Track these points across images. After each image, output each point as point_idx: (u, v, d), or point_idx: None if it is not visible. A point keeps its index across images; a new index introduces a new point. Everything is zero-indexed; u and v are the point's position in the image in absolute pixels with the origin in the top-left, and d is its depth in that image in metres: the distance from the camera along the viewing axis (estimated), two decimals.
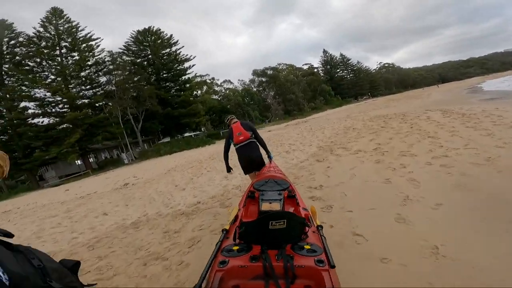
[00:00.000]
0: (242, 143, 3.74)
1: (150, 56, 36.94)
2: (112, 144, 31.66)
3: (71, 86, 28.37)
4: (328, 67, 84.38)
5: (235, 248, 1.48)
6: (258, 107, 51.03)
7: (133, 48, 37.83)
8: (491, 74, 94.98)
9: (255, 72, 59.24)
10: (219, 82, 57.47)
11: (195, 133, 52.74)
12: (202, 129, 47.85)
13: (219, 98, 51.61)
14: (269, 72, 58.70)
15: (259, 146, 3.85)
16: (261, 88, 58.49)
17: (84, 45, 29.84)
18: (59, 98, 27.53)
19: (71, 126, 26.93)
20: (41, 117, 27.62)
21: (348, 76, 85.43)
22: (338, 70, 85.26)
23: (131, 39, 37.78)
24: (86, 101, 29.21)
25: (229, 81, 57.82)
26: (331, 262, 1.28)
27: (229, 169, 4.09)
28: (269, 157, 3.93)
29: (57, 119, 26.98)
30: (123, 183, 11.44)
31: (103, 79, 30.86)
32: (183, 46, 39.63)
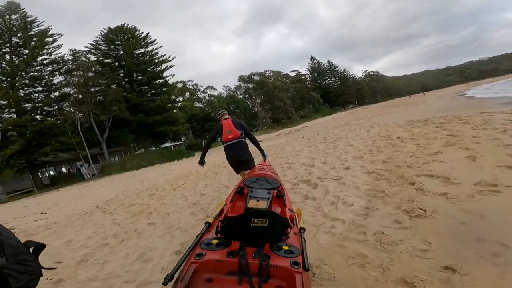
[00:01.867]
0: (230, 142, 3.56)
1: (122, 57, 31.86)
2: (73, 156, 26.07)
3: (18, 86, 22.84)
4: (316, 74, 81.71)
5: (214, 242, 1.45)
6: (245, 115, 46.63)
7: (103, 47, 32.71)
8: (471, 82, 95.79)
9: (241, 78, 55.07)
10: (202, 89, 52.97)
11: (175, 143, 47.76)
12: (182, 138, 42.86)
13: (202, 106, 46.88)
14: (256, 78, 54.70)
15: (248, 146, 3.69)
16: (247, 95, 54.29)
17: (35, 39, 24.49)
18: (4, 102, 22.05)
19: (14, 134, 21.42)
20: None
21: (336, 84, 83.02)
22: (325, 78, 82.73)
23: (100, 37, 32.71)
24: (38, 104, 23.67)
25: (212, 87, 53.36)
26: (305, 265, 1.26)
27: (202, 162, 3.85)
28: (263, 155, 3.88)
29: None
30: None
31: (59, 80, 25.46)
32: (161, 46, 34.96)
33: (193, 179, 7.83)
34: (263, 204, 1.84)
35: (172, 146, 41.56)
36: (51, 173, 29.81)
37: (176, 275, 1.19)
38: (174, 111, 31.78)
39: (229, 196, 2.34)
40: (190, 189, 6.42)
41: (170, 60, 34.24)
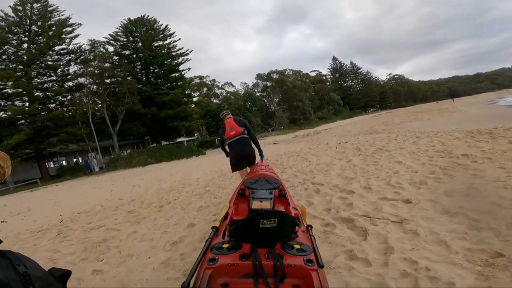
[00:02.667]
0: (233, 138, 3.68)
1: (140, 49, 30.77)
2: (80, 148, 25.24)
3: (32, 75, 22.14)
4: (337, 75, 78.49)
5: (225, 246, 1.43)
6: (261, 113, 44.80)
7: (122, 39, 31.80)
8: (504, 90, 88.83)
9: (259, 76, 53.22)
10: (220, 85, 51.59)
11: (189, 138, 46.68)
12: (196, 134, 41.67)
13: (219, 102, 45.46)
14: (275, 76, 52.65)
15: (251, 142, 3.80)
16: (265, 94, 52.38)
17: (53, 29, 23.72)
18: (20, 90, 21.40)
19: (24, 123, 20.74)
20: None
21: (358, 86, 79.41)
22: (347, 79, 79.32)
23: (120, 28, 31.80)
24: (50, 94, 22.92)
25: (231, 84, 51.84)
26: (320, 262, 1.26)
27: (228, 153, 3.96)
28: (261, 155, 3.85)
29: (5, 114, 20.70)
30: None
31: (74, 69, 24.65)
32: (179, 39, 33.57)
33: (189, 193, 6.13)
34: (266, 205, 1.83)
35: (185, 142, 40.60)
36: (63, 163, 29.37)
37: (192, 282, 1.17)
38: (189, 106, 30.38)
39: (231, 199, 2.33)
40: (180, 211, 4.72)
41: (188, 54, 32.94)
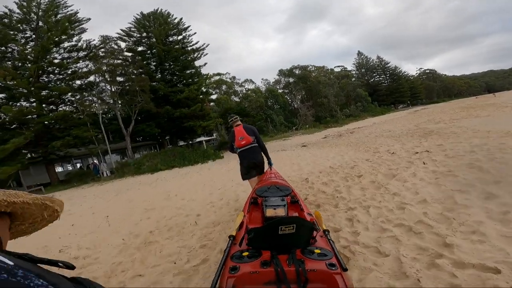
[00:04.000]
0: (244, 148, 3.65)
1: (153, 44, 28.41)
2: (87, 151, 23.16)
3: (37, 73, 20.22)
4: (363, 70, 72.96)
5: (245, 254, 1.43)
6: (284, 111, 41.29)
7: (136, 34, 29.67)
8: None
9: (281, 72, 49.71)
10: (240, 82, 48.71)
11: (209, 138, 44.14)
12: (214, 135, 39.04)
13: (238, 100, 42.51)
14: (297, 71, 48.87)
15: (261, 151, 3.76)
16: (287, 90, 48.76)
17: (64, 24, 21.73)
18: (25, 90, 19.60)
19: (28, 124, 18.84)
20: None
21: (386, 82, 73.38)
22: (374, 75, 73.55)
23: (133, 23, 29.68)
24: (53, 93, 20.88)
25: (251, 81, 48.75)
26: (343, 265, 1.25)
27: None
28: (270, 163, 3.84)
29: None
30: None
31: (82, 66, 22.58)
32: (195, 33, 30.96)
33: (183, 239, 3.03)
34: (281, 212, 1.81)
35: (204, 142, 38.06)
36: (78, 165, 27.76)
37: None
38: (206, 104, 27.59)
39: (244, 207, 2.29)
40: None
41: (204, 49, 30.17)
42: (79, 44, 23.58)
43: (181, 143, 35.59)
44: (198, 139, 38.83)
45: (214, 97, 37.02)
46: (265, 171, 3.77)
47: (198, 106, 24.63)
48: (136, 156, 24.23)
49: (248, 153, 3.65)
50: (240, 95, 44.33)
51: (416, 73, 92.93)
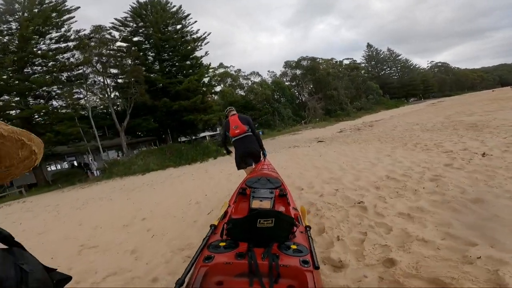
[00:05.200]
0: (238, 136, 3.55)
1: (151, 34, 25.61)
2: (74, 149, 20.74)
3: (16, 65, 17.80)
4: (373, 62, 69.13)
5: (222, 244, 1.40)
6: (291, 104, 38.39)
7: (131, 24, 26.88)
8: None
9: (287, 64, 46.56)
10: (245, 74, 45.85)
11: (213, 133, 41.62)
12: (218, 129, 36.51)
13: (244, 93, 39.71)
14: (305, 63, 45.65)
15: (255, 140, 3.66)
16: (294, 83, 45.66)
17: (46, 12, 19.19)
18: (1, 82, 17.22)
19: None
20: None
21: (397, 75, 69.54)
22: (385, 67, 69.71)
23: (129, 12, 26.89)
24: (32, 86, 18.43)
25: (257, 74, 45.82)
26: (315, 263, 1.23)
27: (228, 151, 3.89)
28: (263, 154, 3.75)
29: None
30: None
31: (69, 56, 20.05)
32: (195, 22, 28.11)
33: None
34: (266, 204, 1.76)
35: (208, 137, 35.54)
36: (66, 164, 25.52)
37: (186, 280, 1.13)
38: (208, 96, 24.94)
39: (231, 197, 2.26)
40: None
41: (205, 38, 27.30)
42: (68, 34, 21.05)
43: (184, 138, 33.30)
44: (202, 134, 36.30)
45: (217, 89, 34.26)
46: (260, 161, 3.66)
47: (198, 97, 21.99)
48: (136, 153, 21.77)
49: (242, 141, 3.53)
50: (246, 88, 41.53)
51: (427, 66, 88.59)
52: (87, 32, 21.00)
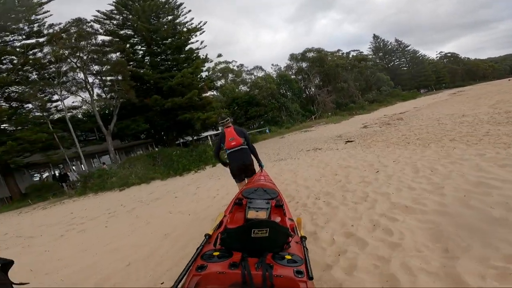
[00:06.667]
0: (233, 149, 3.46)
1: (139, 24, 22.00)
2: (46, 159, 17.40)
3: None
4: (381, 54, 64.80)
5: (216, 253, 1.36)
6: (299, 98, 34.75)
7: (117, 17, 23.31)
8: None
9: (292, 57, 42.77)
10: (248, 69, 42.41)
11: (217, 132, 38.27)
12: (220, 128, 33.04)
13: (247, 89, 36.17)
14: (311, 55, 41.78)
15: (250, 153, 3.57)
16: (300, 77, 41.86)
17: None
18: None
19: None
20: None
21: (407, 66, 65.16)
22: (393, 58, 65.37)
23: (114, 3, 23.27)
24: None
25: (261, 68, 42.29)
26: (309, 274, 1.21)
27: (225, 164, 3.70)
28: (260, 165, 3.62)
29: None
30: None
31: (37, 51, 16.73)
32: (189, 11, 24.50)
33: None
34: (262, 215, 1.72)
35: (210, 137, 32.10)
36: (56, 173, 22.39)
37: None
38: (204, 89, 21.49)
39: (228, 207, 2.20)
40: None
41: (201, 28, 23.67)
42: (40, 29, 17.70)
43: (184, 139, 29.98)
44: (205, 134, 32.93)
45: (218, 83, 30.86)
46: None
47: (194, 92, 18.59)
48: (117, 161, 18.48)
49: (237, 154, 3.43)
50: (249, 83, 37.99)
51: (437, 57, 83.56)
52: (61, 24, 17.70)
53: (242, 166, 3.43)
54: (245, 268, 1.19)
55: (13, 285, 0.89)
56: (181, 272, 1.17)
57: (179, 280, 1.12)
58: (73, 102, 21.00)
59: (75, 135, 16.24)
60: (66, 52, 16.09)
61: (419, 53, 68.47)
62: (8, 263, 0.89)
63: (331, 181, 4.78)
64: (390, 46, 65.93)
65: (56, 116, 18.72)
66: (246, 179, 3.48)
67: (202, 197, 6.38)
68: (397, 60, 65.56)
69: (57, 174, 18.59)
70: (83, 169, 17.29)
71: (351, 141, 9.51)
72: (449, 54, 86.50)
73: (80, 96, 18.11)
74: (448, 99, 25.30)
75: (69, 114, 17.83)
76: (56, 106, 17.38)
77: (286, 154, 9.92)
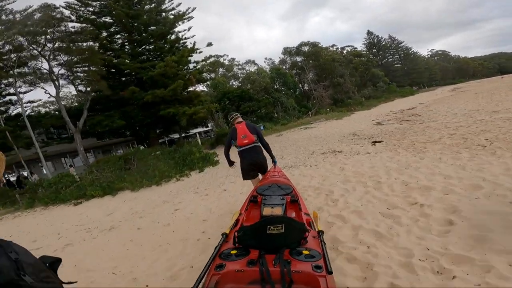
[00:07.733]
0: (246, 147, 3.25)
1: (116, 8, 18.82)
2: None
3: None
4: (374, 50, 63.15)
5: (233, 252, 1.34)
6: (294, 93, 32.46)
7: (94, 4, 20.03)
8: None
9: (286, 51, 40.36)
10: (239, 63, 39.76)
11: (206, 129, 35.65)
12: (209, 125, 30.65)
13: (239, 84, 33.57)
14: (306, 49, 39.46)
15: (263, 150, 3.39)
16: (294, 71, 39.51)
17: None
18: None
19: None
20: None
21: (400, 62, 63.87)
22: (387, 55, 63.90)
23: None
24: None
25: (253, 62, 39.71)
26: (328, 268, 1.16)
27: (231, 163, 3.54)
28: (274, 161, 3.48)
29: None
30: None
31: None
32: (180, 4, 21.43)
33: None
34: (278, 211, 1.69)
35: (198, 135, 29.39)
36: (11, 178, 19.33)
37: None
38: (191, 81, 18.81)
39: (243, 205, 2.12)
40: None
41: (188, 14, 20.74)
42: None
43: (169, 137, 27.27)
44: (194, 131, 30.23)
45: (207, 76, 28.22)
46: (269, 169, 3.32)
47: (178, 83, 15.91)
48: (88, 162, 15.69)
49: (250, 152, 3.23)
50: (241, 78, 35.38)
51: (428, 54, 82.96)
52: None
53: (254, 165, 3.25)
54: (263, 265, 1.17)
55: (64, 285, 0.86)
56: (201, 272, 1.16)
57: (199, 280, 1.11)
58: (49, 98, 17.77)
59: (33, 134, 13.43)
60: (23, 39, 13.21)
61: (412, 50, 67.40)
62: (56, 261, 0.87)
63: (425, 225, 2.43)
64: (384, 43, 64.33)
65: (16, 111, 15.81)
66: (260, 175, 3.31)
67: (179, 231, 3.95)
68: (391, 56, 64.20)
69: (11, 179, 15.62)
70: (45, 172, 14.45)
71: (380, 141, 7.21)
72: (440, 52, 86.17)
73: (43, 88, 15.16)
74: (453, 95, 23.54)
75: (35, 109, 15.03)
76: (11, 100, 14.42)
77: (294, 158, 7.55)
